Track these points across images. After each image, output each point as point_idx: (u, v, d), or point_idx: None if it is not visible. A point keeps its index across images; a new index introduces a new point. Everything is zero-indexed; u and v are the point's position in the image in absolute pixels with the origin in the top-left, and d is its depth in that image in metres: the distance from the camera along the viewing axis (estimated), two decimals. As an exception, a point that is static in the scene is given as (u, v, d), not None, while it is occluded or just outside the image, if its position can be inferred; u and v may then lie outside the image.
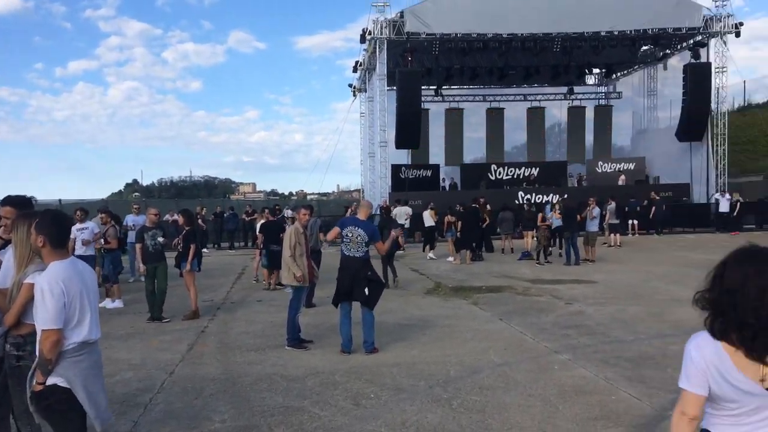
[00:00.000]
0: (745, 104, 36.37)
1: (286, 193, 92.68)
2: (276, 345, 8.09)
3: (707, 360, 2.18)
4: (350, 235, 7.54)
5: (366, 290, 7.51)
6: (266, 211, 14.84)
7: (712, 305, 2.20)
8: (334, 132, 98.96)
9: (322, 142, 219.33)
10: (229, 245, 24.27)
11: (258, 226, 15.34)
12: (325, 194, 70.95)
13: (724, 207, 24.52)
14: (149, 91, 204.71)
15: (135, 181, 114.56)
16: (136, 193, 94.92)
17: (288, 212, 22.70)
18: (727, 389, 2.16)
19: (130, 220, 15.30)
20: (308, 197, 62.78)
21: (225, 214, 25.22)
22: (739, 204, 24.67)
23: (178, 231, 11.16)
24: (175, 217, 17.69)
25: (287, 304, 8.26)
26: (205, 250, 21.11)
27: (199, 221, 19.88)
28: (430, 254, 18.69)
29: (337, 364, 7.10)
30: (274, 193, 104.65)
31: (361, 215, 7.79)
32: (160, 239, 9.98)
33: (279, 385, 6.38)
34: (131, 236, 14.58)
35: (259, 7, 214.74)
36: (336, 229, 7.77)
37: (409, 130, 26.60)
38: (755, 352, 2.12)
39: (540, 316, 9.69)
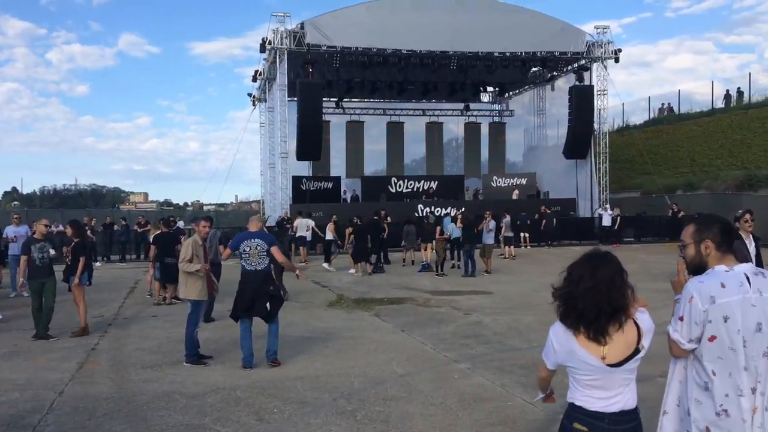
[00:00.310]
0: (624, 125, 38.93)
1: (181, 204, 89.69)
2: (174, 361, 7.83)
3: (559, 342, 2.71)
4: (248, 249, 7.44)
5: (267, 305, 7.43)
6: (160, 222, 14.30)
7: (560, 297, 2.69)
8: (233, 141, 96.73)
9: (220, 152, 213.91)
10: (120, 258, 23.17)
11: (151, 237, 14.76)
12: (222, 205, 69.30)
13: (606, 221, 26.19)
14: (31, 93, 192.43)
15: (14, 190, 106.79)
16: (16, 202, 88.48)
17: (181, 223, 22.02)
18: (578, 363, 2.67)
19: (10, 231, 14.28)
20: (205, 208, 61.12)
21: (115, 226, 24.08)
22: (619, 218, 26.46)
23: (65, 243, 10.56)
24: (60, 227, 16.73)
25: (185, 318, 8.01)
26: (97, 263, 20.11)
27: (89, 232, 18.87)
28: (325, 264, 18.78)
29: (239, 380, 6.98)
30: (167, 203, 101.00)
31: (253, 228, 7.72)
32: (51, 252, 9.42)
33: (178, 402, 6.18)
34: (13, 248, 13.66)
35: (152, 9, 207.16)
36: (227, 251, 7.69)
37: (311, 141, 26.57)
38: (590, 334, 2.62)
39: (440, 326, 9.96)
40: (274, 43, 25.96)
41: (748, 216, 7.27)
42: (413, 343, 8.80)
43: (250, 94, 34.19)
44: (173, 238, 12.79)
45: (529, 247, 24.74)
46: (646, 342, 2.64)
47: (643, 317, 2.67)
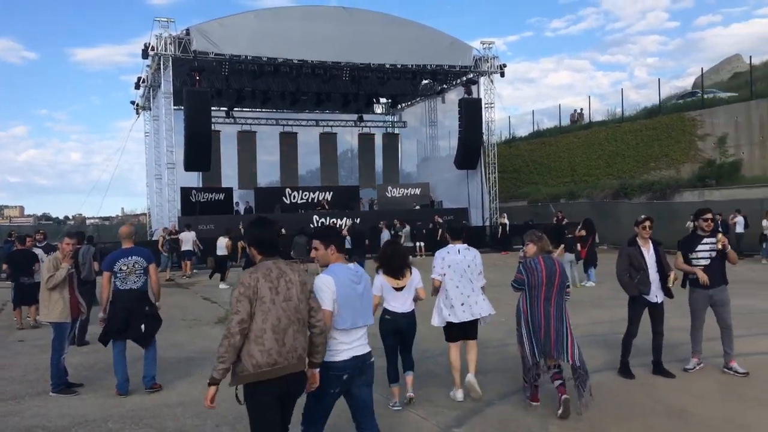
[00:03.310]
0: (511, 137, 40.63)
1: (61, 217, 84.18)
2: (40, 392, 7.11)
3: (381, 282, 6.04)
4: (125, 268, 6.87)
5: (142, 327, 6.88)
6: (14, 238, 13.01)
7: (381, 261, 6.12)
8: (118, 152, 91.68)
9: (105, 163, 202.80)
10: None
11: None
12: (107, 218, 65.57)
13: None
14: None
15: None
16: None
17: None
18: (386, 291, 5.99)
19: None
20: (87, 222, 57.55)
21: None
22: (507, 226, 27.41)
23: None
24: None
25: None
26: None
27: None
28: (221, 284, 17.76)
29: (112, 409, 6.40)
30: (46, 217, 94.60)
31: (128, 244, 7.12)
32: None
33: (39, 439, 5.55)
34: None
35: (29, 14, 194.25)
36: (106, 274, 6.95)
37: (200, 151, 25.53)
38: (394, 275, 6.01)
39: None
40: (157, 49, 24.81)
41: (647, 223, 7.08)
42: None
43: (133, 102, 32.56)
44: (30, 255, 11.75)
45: (424, 256, 24.97)
46: (415, 278, 6.14)
47: (414, 269, 6.17)
